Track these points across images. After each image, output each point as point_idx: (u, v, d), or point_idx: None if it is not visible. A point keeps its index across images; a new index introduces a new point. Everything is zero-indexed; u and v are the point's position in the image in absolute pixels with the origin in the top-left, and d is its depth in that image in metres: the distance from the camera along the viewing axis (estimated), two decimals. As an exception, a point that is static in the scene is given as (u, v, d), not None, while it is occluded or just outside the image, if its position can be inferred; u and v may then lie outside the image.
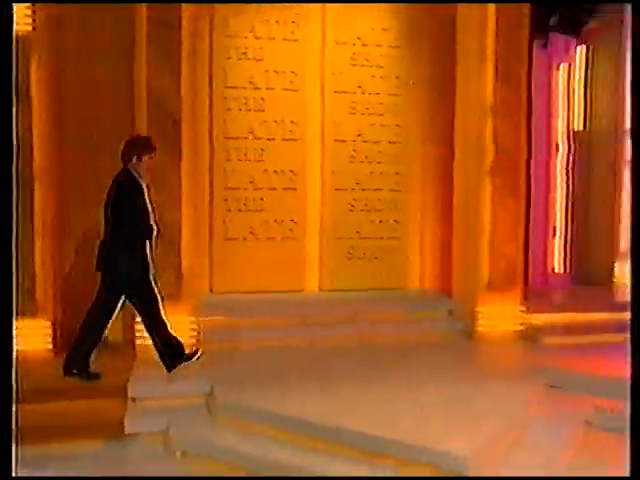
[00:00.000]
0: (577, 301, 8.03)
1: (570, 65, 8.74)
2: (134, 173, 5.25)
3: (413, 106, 7.67)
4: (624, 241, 8.54)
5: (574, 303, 7.95)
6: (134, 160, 5.23)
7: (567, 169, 8.84)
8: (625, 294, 8.23)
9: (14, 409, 3.01)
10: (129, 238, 5.20)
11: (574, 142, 8.84)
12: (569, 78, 8.77)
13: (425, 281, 7.77)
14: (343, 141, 7.53)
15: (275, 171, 7.25)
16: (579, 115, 8.85)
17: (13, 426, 2.92)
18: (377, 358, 6.05)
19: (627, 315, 7.28)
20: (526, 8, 6.81)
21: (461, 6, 7.02)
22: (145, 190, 5.26)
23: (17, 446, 3.08)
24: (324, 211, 7.47)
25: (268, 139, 7.23)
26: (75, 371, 5.23)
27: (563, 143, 8.82)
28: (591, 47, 8.74)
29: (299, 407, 4.58)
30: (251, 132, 7.17)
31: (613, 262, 8.54)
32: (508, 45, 6.70)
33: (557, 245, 8.85)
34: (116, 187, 5.20)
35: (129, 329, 5.91)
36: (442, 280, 7.48)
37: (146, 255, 5.23)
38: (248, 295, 6.88)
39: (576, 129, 8.86)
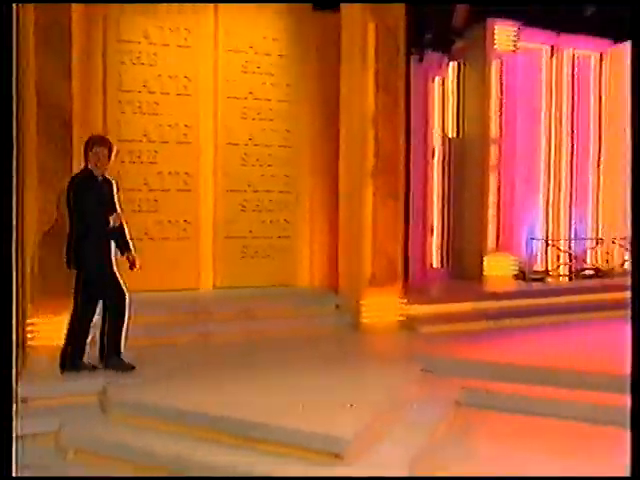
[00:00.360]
0: (451, 293, 8.45)
1: (443, 79, 9.18)
2: (90, 171, 5.21)
3: (302, 112, 7.87)
4: (492, 236, 9.07)
5: (449, 295, 8.35)
6: (90, 157, 5.21)
7: (443, 172, 9.25)
8: (494, 285, 8.77)
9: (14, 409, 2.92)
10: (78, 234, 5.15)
11: (449, 148, 9.28)
12: (443, 90, 9.19)
13: (314, 278, 7.98)
14: (235, 144, 7.62)
15: (169, 173, 7.25)
16: (452, 123, 9.29)
17: (13, 426, 2.84)
18: (268, 351, 6.13)
19: (495, 303, 7.82)
20: (402, 24, 7.12)
21: (345, 21, 7.25)
22: (103, 186, 5.23)
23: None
24: (217, 212, 7.54)
25: (162, 142, 7.22)
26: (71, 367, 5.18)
27: (439, 149, 9.23)
28: (461, 63, 9.21)
29: (191, 400, 4.60)
30: (145, 135, 7.13)
31: (482, 257, 9.01)
32: (387, 59, 7.00)
33: (434, 242, 9.24)
34: (68, 185, 5.22)
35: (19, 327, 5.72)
36: (330, 276, 7.69)
37: (100, 251, 5.16)
38: (144, 294, 6.81)
39: (450, 136, 9.29)
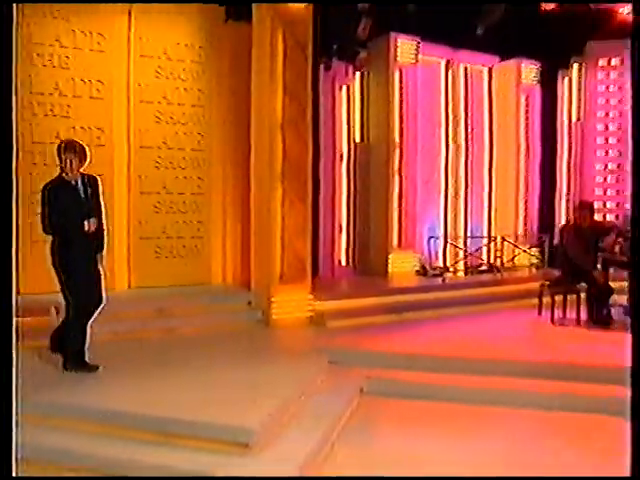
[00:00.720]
0: (358, 289, 8.66)
1: (349, 87, 9.37)
2: (63, 178, 5.16)
3: (215, 117, 7.90)
4: (395, 235, 9.34)
5: (355, 291, 8.54)
6: (66, 163, 5.17)
7: (350, 175, 9.45)
8: (397, 281, 9.03)
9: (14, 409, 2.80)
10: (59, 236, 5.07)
11: (355, 152, 9.48)
12: (349, 98, 9.39)
13: (227, 276, 8.03)
14: (149, 148, 7.57)
15: (83, 175, 7.09)
16: (358, 129, 9.50)
17: (13, 425, 2.76)
18: (183, 349, 6.09)
19: (398, 298, 8.06)
20: (310, 35, 7.25)
21: (255, 31, 7.30)
22: (79, 192, 5.16)
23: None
24: (131, 213, 7.45)
25: (75, 145, 7.05)
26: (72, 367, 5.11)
27: (347, 153, 9.42)
28: (365, 73, 9.44)
29: (106, 399, 4.56)
30: (57, 137, 6.92)
31: (387, 254, 9.26)
32: (295, 68, 7.10)
33: (343, 241, 9.42)
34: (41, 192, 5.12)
35: None
36: (242, 275, 7.75)
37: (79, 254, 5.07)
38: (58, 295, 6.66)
39: (357, 141, 9.50)
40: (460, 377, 5.68)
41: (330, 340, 6.53)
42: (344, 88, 9.32)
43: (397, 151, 9.28)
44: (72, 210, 5.08)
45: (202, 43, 7.86)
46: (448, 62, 10.08)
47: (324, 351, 6.04)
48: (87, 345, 5.19)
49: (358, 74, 9.41)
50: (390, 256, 9.24)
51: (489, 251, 10.16)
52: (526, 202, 10.45)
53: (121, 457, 3.95)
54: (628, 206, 10.20)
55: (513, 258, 10.11)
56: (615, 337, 6.90)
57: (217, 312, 7.13)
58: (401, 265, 9.30)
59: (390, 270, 9.23)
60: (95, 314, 5.20)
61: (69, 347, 5.17)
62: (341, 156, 9.33)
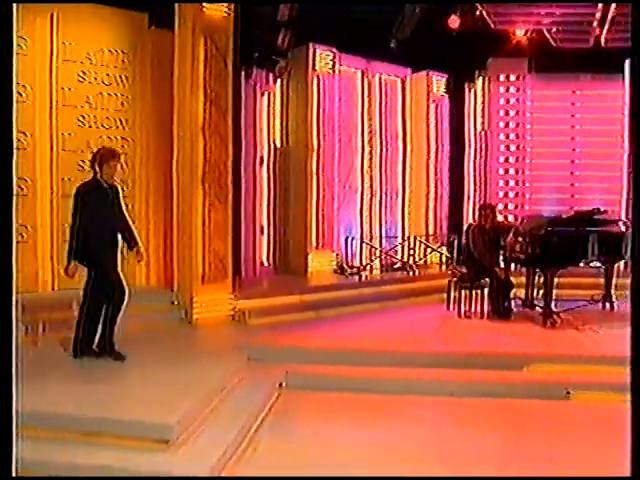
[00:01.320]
0: (278, 287, 8.57)
1: (270, 93, 9.30)
2: (99, 181, 5.39)
3: (138, 122, 7.65)
4: (314, 236, 9.33)
5: (276, 289, 8.46)
6: (105, 167, 5.42)
7: (270, 178, 9.38)
8: (316, 279, 9.03)
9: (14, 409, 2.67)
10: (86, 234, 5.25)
11: (275, 156, 9.42)
12: (270, 104, 9.32)
13: (151, 276, 7.77)
14: (73, 152, 7.25)
15: (4, 178, 6.74)
16: (279, 134, 9.44)
17: (13, 425, 2.69)
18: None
19: (316, 296, 8.05)
20: (230, 43, 7.15)
21: (178, 36, 7.14)
22: (110, 195, 5.43)
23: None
24: (54, 217, 7.12)
25: (-4, 148, 6.69)
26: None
27: (267, 156, 9.34)
28: (285, 80, 9.40)
29: (28, 400, 4.32)
30: (-23, 140, 6.58)
31: (307, 254, 9.25)
32: (216, 74, 6.99)
33: (264, 242, 9.34)
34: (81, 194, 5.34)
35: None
36: (166, 275, 7.55)
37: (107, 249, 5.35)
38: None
39: (277, 145, 9.44)
40: (374, 369, 5.73)
41: (251, 337, 6.45)
42: (265, 95, 9.23)
43: (315, 155, 9.28)
44: (104, 207, 5.36)
45: (126, 49, 7.60)
46: (364, 72, 10.15)
47: (244, 348, 5.95)
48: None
49: (279, 81, 9.35)
50: (309, 256, 9.23)
51: (403, 250, 10.29)
52: (436, 204, 10.67)
53: (46, 458, 3.75)
54: (527, 208, 10.58)
55: (425, 256, 10.30)
56: (515, 328, 7.15)
57: (141, 313, 6.84)
58: (320, 264, 9.30)
59: (309, 269, 9.22)
60: (123, 307, 5.46)
61: (83, 333, 5.38)
62: (262, 160, 9.24)
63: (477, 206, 10.62)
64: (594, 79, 10.86)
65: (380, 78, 10.36)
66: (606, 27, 10.25)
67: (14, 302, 2.84)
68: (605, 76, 10.74)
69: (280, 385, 5.45)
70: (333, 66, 9.42)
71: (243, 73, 8.72)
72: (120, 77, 7.57)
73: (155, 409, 4.15)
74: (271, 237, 9.36)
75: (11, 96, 2.96)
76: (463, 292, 7.73)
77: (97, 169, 5.41)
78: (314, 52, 9.23)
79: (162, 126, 7.46)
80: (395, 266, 9.93)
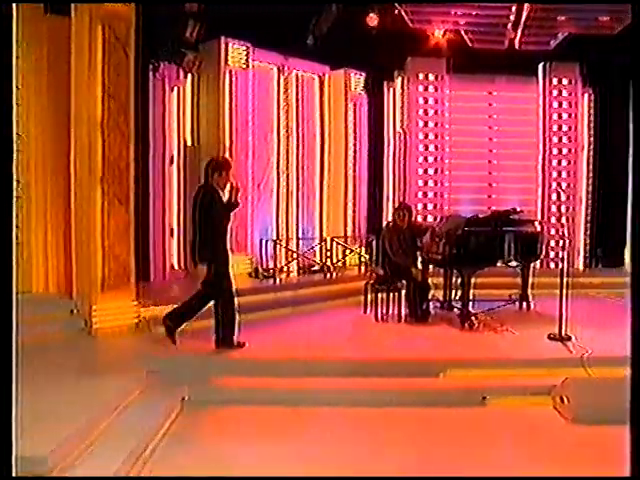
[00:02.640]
0: (189, 293, 8.09)
1: (180, 89, 8.85)
2: (214, 187, 5.89)
3: (33, 115, 7.04)
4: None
5: (186, 294, 7.99)
6: (215, 177, 5.96)
7: (180, 177, 8.95)
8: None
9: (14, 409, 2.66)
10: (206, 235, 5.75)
11: (186, 155, 8.98)
12: (180, 100, 8.88)
13: (49, 283, 7.18)
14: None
15: None
16: (190, 132, 9.01)
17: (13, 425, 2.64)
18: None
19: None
20: (132, 33, 6.70)
21: (74, 23, 6.61)
22: (222, 199, 5.93)
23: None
24: None
25: None
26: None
27: (177, 155, 8.89)
28: (196, 75, 8.97)
29: None
30: None
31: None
32: (115, 67, 6.51)
33: (175, 244, 8.89)
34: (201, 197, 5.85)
35: None
36: (65, 282, 6.98)
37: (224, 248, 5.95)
38: None
39: (188, 144, 9.00)
40: (284, 380, 5.44)
41: (153, 348, 6.01)
42: (175, 90, 8.79)
43: (227, 154, 8.89)
44: (223, 211, 5.92)
45: (19, 37, 6.99)
46: (280, 69, 9.84)
47: (145, 360, 5.53)
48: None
49: (189, 76, 8.93)
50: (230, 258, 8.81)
51: (322, 252, 10.04)
52: (355, 205, 10.48)
53: None
54: (447, 208, 10.56)
55: (344, 258, 10.09)
56: (432, 331, 7.01)
57: (38, 322, 6.34)
58: (235, 267, 8.87)
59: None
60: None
61: (230, 326, 5.96)
62: (172, 158, 8.80)
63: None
64: (509, 81, 10.98)
65: (297, 75, 10.08)
66: (520, 30, 10.38)
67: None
68: (520, 78, 10.91)
69: (183, 399, 5.08)
70: (247, 61, 9.08)
71: (151, 67, 8.27)
72: (14, 67, 6.96)
73: (28, 438, 3.67)
74: (182, 239, 8.90)
75: (11, 96, 3.00)
76: (380, 295, 7.55)
77: (210, 176, 5.93)
78: (226, 46, 8.85)
79: (59, 120, 6.89)
80: (313, 268, 9.66)
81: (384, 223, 10.16)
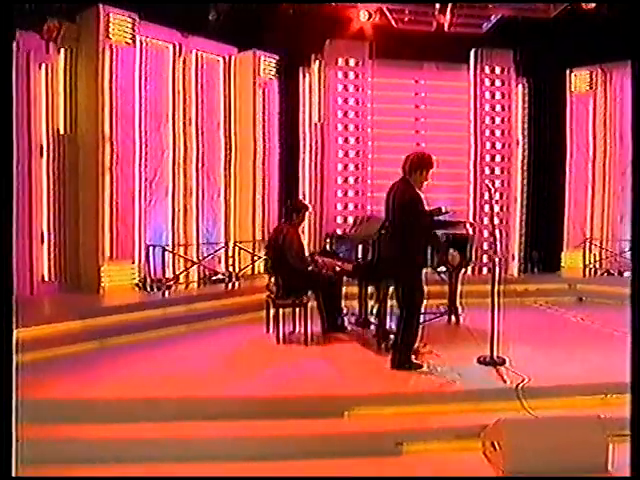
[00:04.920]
0: (59, 310, 6.88)
1: (50, 66, 7.53)
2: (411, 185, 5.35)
3: None
4: (108, 244, 7.71)
5: (56, 313, 6.78)
6: (417, 174, 5.40)
7: (53, 173, 7.63)
8: (110, 297, 7.43)
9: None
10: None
11: (59, 145, 7.66)
12: (51, 79, 7.55)
13: None
14: None
15: None
16: (63, 118, 7.68)
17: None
18: None
19: (105, 319, 6.51)
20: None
21: None
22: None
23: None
24: None
25: None
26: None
27: (48, 145, 7.57)
28: (71, 50, 7.66)
29: None
30: None
31: (100, 267, 7.59)
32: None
33: (45, 252, 7.57)
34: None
35: None
36: None
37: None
38: None
39: (61, 132, 7.68)
40: (142, 426, 4.31)
41: None
42: (43, 67, 7.46)
43: (109, 145, 7.64)
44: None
45: None
46: (177, 48, 8.64)
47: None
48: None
49: (62, 52, 7.61)
50: (102, 268, 7.59)
51: (226, 259, 8.89)
52: (264, 205, 9.35)
53: None
54: (369, 208, 9.60)
55: (252, 266, 8.97)
56: (342, 357, 5.96)
57: None
58: (117, 279, 7.69)
59: (104, 285, 7.60)
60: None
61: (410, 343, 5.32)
62: (40, 149, 7.48)
63: (317, 207, 9.61)
64: (438, 68, 10.18)
65: (198, 56, 8.89)
66: (449, 10, 9.57)
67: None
68: (450, 65, 10.17)
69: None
70: (133, 36, 7.83)
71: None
72: None
73: None
74: (54, 246, 7.59)
75: (11, 97, 3.06)
76: (282, 310, 6.46)
77: (417, 173, 5.38)
78: (107, 16, 7.58)
79: None
80: (215, 277, 8.51)
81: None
